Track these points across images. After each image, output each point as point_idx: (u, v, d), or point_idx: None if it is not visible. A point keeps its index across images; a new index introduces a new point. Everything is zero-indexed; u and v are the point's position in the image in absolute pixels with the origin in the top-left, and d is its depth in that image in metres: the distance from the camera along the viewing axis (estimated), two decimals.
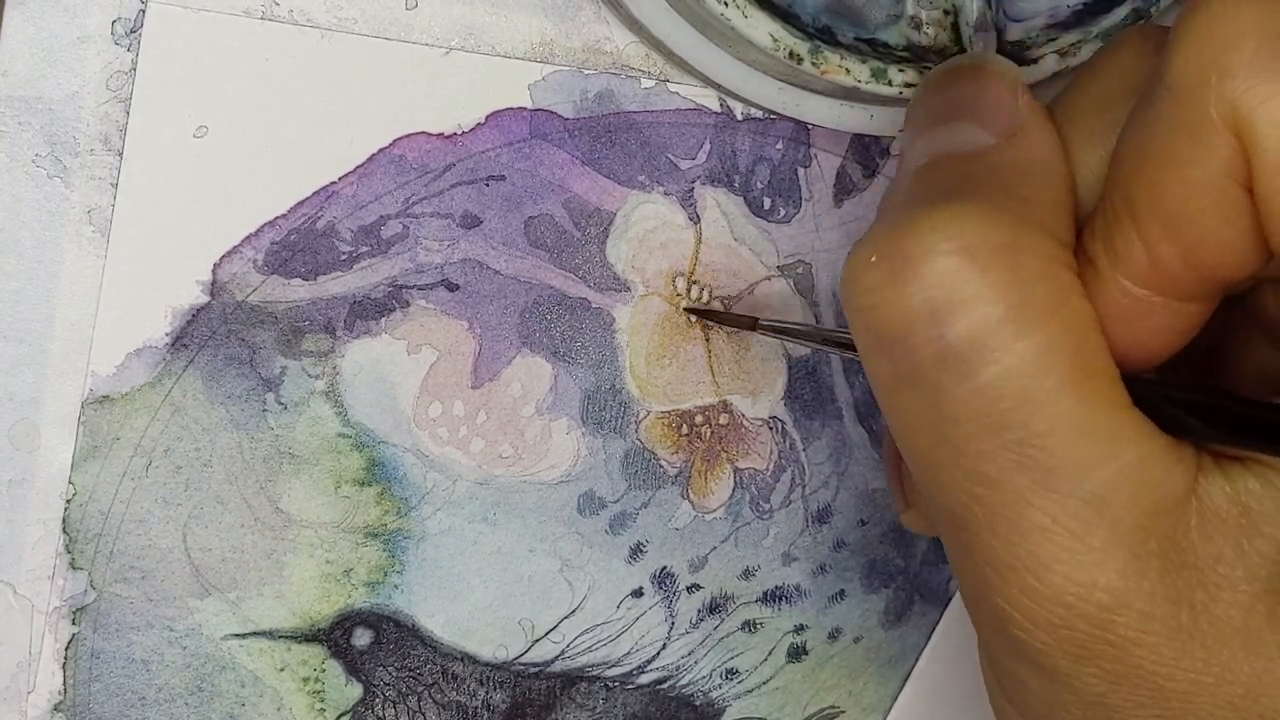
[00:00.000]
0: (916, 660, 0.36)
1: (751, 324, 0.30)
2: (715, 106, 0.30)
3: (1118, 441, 0.21)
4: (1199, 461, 0.21)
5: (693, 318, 0.32)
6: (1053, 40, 0.28)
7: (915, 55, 0.28)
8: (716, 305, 0.32)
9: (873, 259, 0.21)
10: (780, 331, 0.31)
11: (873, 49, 0.28)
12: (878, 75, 0.27)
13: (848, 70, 0.27)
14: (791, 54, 0.27)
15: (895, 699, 0.36)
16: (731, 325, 0.31)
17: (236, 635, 0.30)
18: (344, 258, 0.29)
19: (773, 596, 0.34)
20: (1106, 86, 0.24)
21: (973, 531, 0.22)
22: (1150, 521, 0.21)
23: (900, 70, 0.28)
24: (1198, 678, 0.21)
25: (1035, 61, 0.28)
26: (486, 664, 0.32)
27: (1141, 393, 0.22)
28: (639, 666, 0.33)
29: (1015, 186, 0.22)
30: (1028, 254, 0.21)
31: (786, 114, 0.29)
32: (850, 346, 0.29)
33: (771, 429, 0.33)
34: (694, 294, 0.31)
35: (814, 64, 0.27)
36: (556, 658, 0.33)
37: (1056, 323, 0.21)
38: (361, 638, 0.31)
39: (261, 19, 0.27)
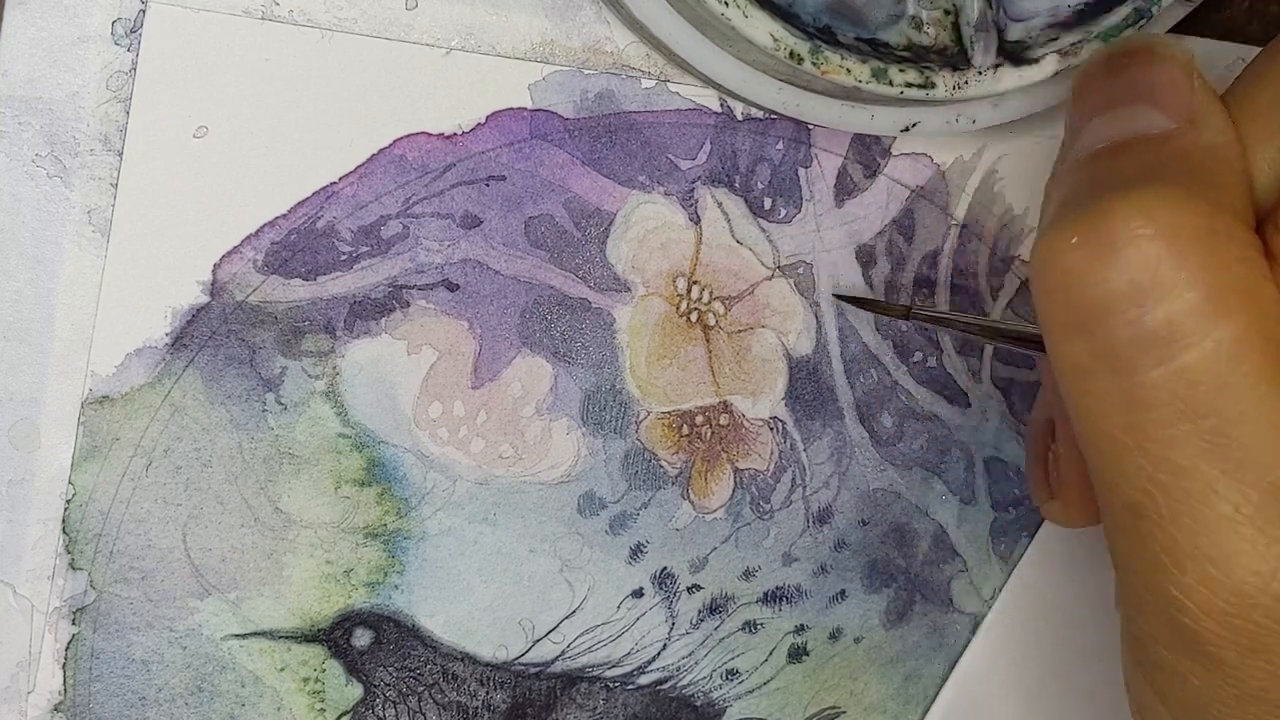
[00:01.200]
0: (941, 687, 0.36)
1: (904, 313, 0.30)
2: (715, 107, 0.30)
3: None
4: None
5: (693, 316, 0.31)
6: (1053, 40, 0.28)
7: (916, 55, 0.28)
8: (717, 305, 0.32)
9: (1073, 240, 0.21)
10: (934, 321, 0.31)
11: (873, 49, 0.28)
12: (878, 75, 0.27)
13: (848, 70, 0.27)
14: (792, 54, 0.27)
15: (937, 692, 0.36)
16: (883, 314, 0.31)
17: (236, 635, 0.30)
18: (344, 258, 0.29)
19: (773, 597, 0.34)
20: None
21: (1152, 519, 0.22)
22: None
23: (901, 70, 0.28)
24: None
25: (1036, 61, 0.28)
26: (487, 664, 0.32)
27: None
28: (639, 667, 0.33)
29: (1205, 171, 0.22)
30: (1224, 239, 0.21)
31: (787, 114, 0.29)
32: (1004, 335, 0.29)
33: (772, 429, 0.33)
34: (694, 294, 0.31)
35: (814, 64, 0.27)
36: (557, 658, 0.33)
37: (1252, 308, 0.21)
38: (361, 638, 0.31)
39: (261, 19, 0.27)
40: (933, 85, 0.28)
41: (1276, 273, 0.22)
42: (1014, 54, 0.28)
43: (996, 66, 0.28)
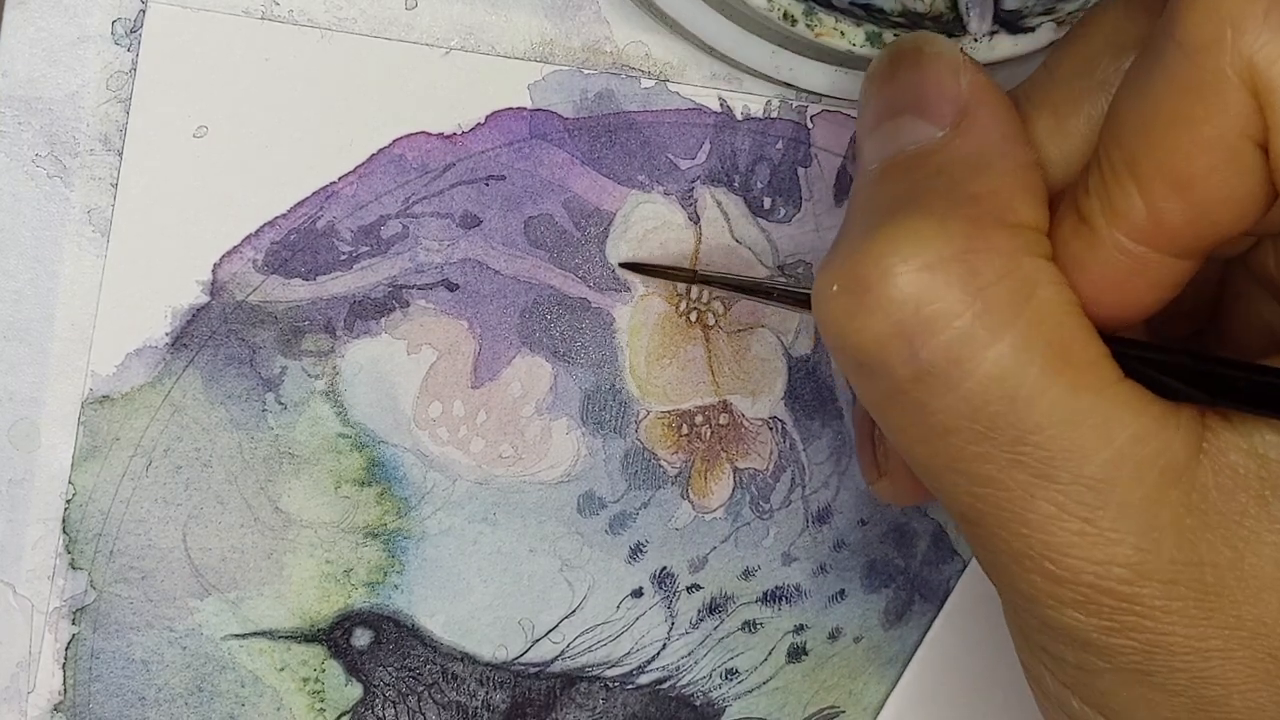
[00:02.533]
0: (912, 655, 0.36)
1: (690, 276, 0.30)
2: (715, 106, 0.30)
3: (1110, 423, 0.21)
4: (1204, 422, 0.22)
5: (692, 316, 0.31)
6: (1050, 10, 0.28)
7: (911, 21, 0.28)
8: (717, 305, 0.32)
9: (834, 288, 0.21)
10: (716, 283, 0.30)
11: (868, 14, 0.28)
12: (873, 39, 0.27)
13: (842, 34, 0.27)
14: (786, 15, 0.27)
15: (889, 694, 0.36)
16: (668, 279, 0.31)
17: (236, 635, 0.30)
18: (344, 258, 0.29)
19: (773, 596, 0.34)
20: (1090, 49, 0.24)
21: (985, 528, 0.22)
22: (1159, 493, 0.21)
23: (896, 35, 0.27)
24: (1231, 634, 0.21)
25: (1031, 30, 0.28)
26: (486, 664, 0.32)
27: (1133, 364, 0.22)
28: (639, 666, 0.33)
29: (966, 183, 0.22)
30: (985, 256, 0.21)
31: (779, 79, 0.29)
32: (790, 299, 0.28)
33: (771, 429, 0.33)
34: (694, 294, 0.31)
35: (809, 26, 0.27)
36: (556, 658, 0.33)
37: (1026, 318, 0.21)
38: (361, 638, 0.31)
39: (261, 19, 0.27)
40: (926, 31, 0.27)
41: (1088, 237, 0.22)
42: (1010, 22, 0.28)
43: (992, 34, 0.28)
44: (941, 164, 0.23)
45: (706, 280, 0.30)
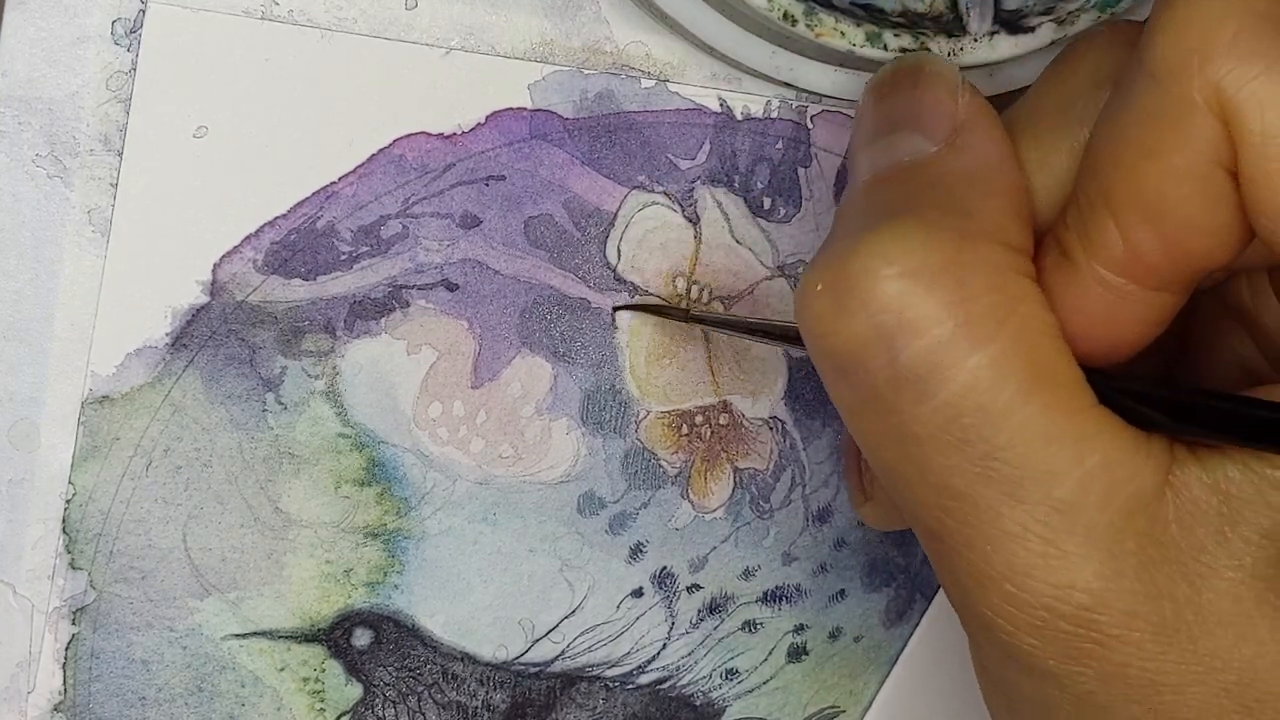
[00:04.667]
0: (902, 650, 0.36)
1: (684, 315, 0.30)
2: (715, 106, 0.30)
3: (1081, 445, 0.21)
4: (1172, 454, 0.21)
5: (623, 315, 0.31)
6: (1050, 10, 0.28)
7: (911, 21, 0.28)
8: (716, 305, 0.32)
9: (818, 288, 0.21)
10: (711, 322, 0.30)
11: (868, 14, 0.28)
12: (872, 40, 0.27)
13: (842, 33, 0.27)
14: (786, 15, 0.27)
15: (878, 690, 0.36)
16: (665, 317, 0.31)
17: (236, 635, 0.30)
18: (344, 258, 0.29)
19: (773, 596, 0.34)
20: (1073, 82, 0.24)
21: (948, 544, 0.22)
22: (1124, 520, 0.21)
23: (896, 35, 0.27)
24: (1188, 669, 0.21)
25: (1032, 30, 0.28)
26: (486, 664, 0.32)
27: (1108, 391, 0.22)
28: (639, 666, 0.33)
29: (958, 197, 0.22)
30: (972, 268, 0.21)
31: (779, 79, 0.29)
32: (779, 336, 0.29)
33: (772, 429, 0.33)
34: (694, 294, 0.31)
35: (808, 26, 0.27)
36: (556, 658, 0.33)
37: (1007, 334, 0.21)
38: (361, 638, 0.31)
39: (261, 19, 0.27)
40: (927, 51, 0.28)
41: (1068, 271, 0.22)
42: (1010, 22, 0.28)
43: (992, 34, 0.28)
44: (935, 177, 0.23)
45: (700, 320, 0.30)
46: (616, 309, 0.31)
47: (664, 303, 0.31)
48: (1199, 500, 0.21)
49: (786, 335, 0.28)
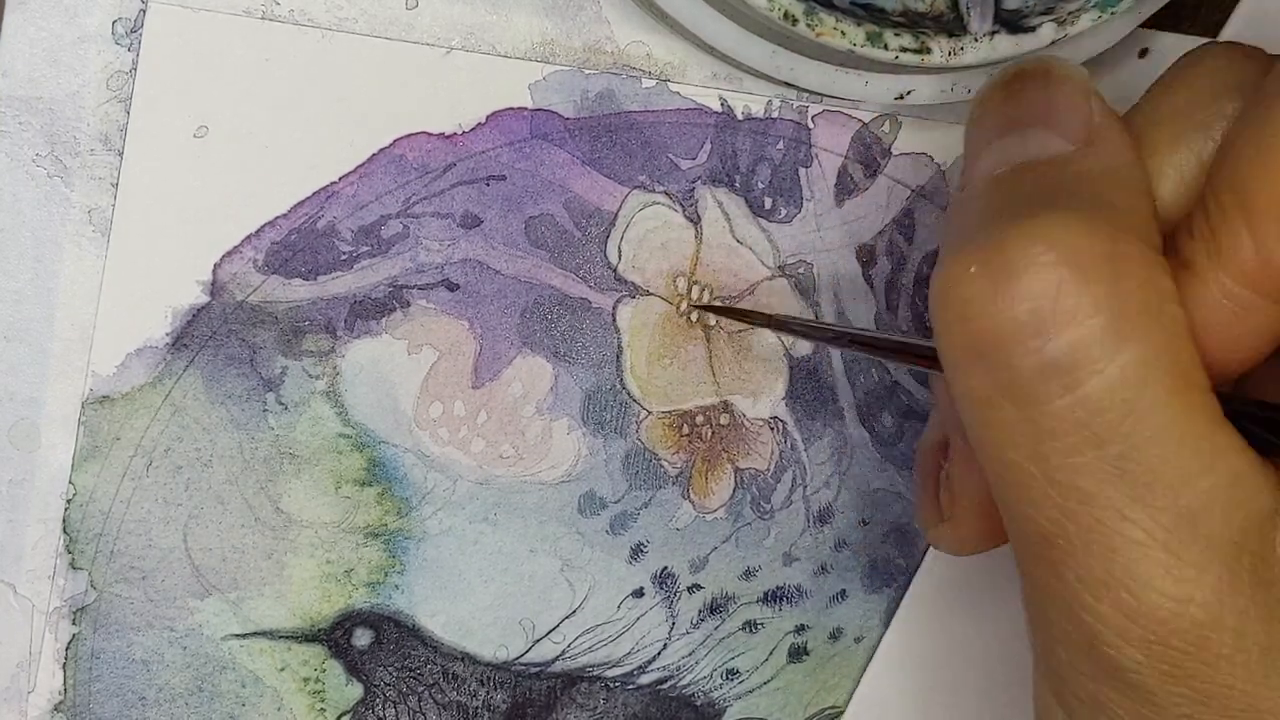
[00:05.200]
0: (877, 645, 0.35)
1: (766, 320, 0.30)
2: (716, 106, 0.30)
3: (1215, 455, 0.21)
4: None
5: (694, 316, 0.31)
6: (1050, 10, 0.28)
7: (911, 21, 0.28)
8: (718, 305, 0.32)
9: (971, 269, 0.21)
10: (795, 331, 0.30)
11: (869, 13, 0.28)
12: (873, 39, 0.27)
13: (843, 33, 0.27)
14: (786, 14, 0.27)
15: (856, 686, 0.35)
16: (744, 321, 0.31)
17: (237, 635, 0.30)
18: (344, 258, 0.29)
19: (774, 597, 0.34)
20: (1191, 92, 0.23)
21: (1064, 549, 0.21)
22: (1243, 537, 0.21)
23: (896, 35, 0.27)
24: None
25: (1033, 30, 0.28)
26: (487, 664, 0.32)
27: (1228, 409, 0.21)
28: (640, 667, 0.33)
29: (1105, 193, 0.22)
30: (1127, 262, 0.21)
31: (779, 79, 0.29)
32: (866, 344, 0.28)
33: (772, 429, 0.33)
34: (694, 294, 0.31)
35: (809, 25, 0.27)
36: (557, 658, 0.33)
37: (1157, 332, 0.21)
38: (362, 638, 0.31)
39: (261, 19, 0.27)
40: (928, 51, 0.27)
41: (1190, 282, 0.22)
42: (1010, 21, 0.28)
43: (993, 34, 0.28)
44: (1078, 174, 0.22)
45: (783, 325, 0.30)
46: (698, 306, 0.31)
47: (750, 310, 0.31)
48: None
49: (878, 345, 0.28)
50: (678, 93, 0.30)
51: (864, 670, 0.35)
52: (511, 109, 0.29)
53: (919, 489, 0.30)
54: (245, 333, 0.29)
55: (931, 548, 0.35)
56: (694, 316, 0.32)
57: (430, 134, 0.29)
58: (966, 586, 0.36)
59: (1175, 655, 0.21)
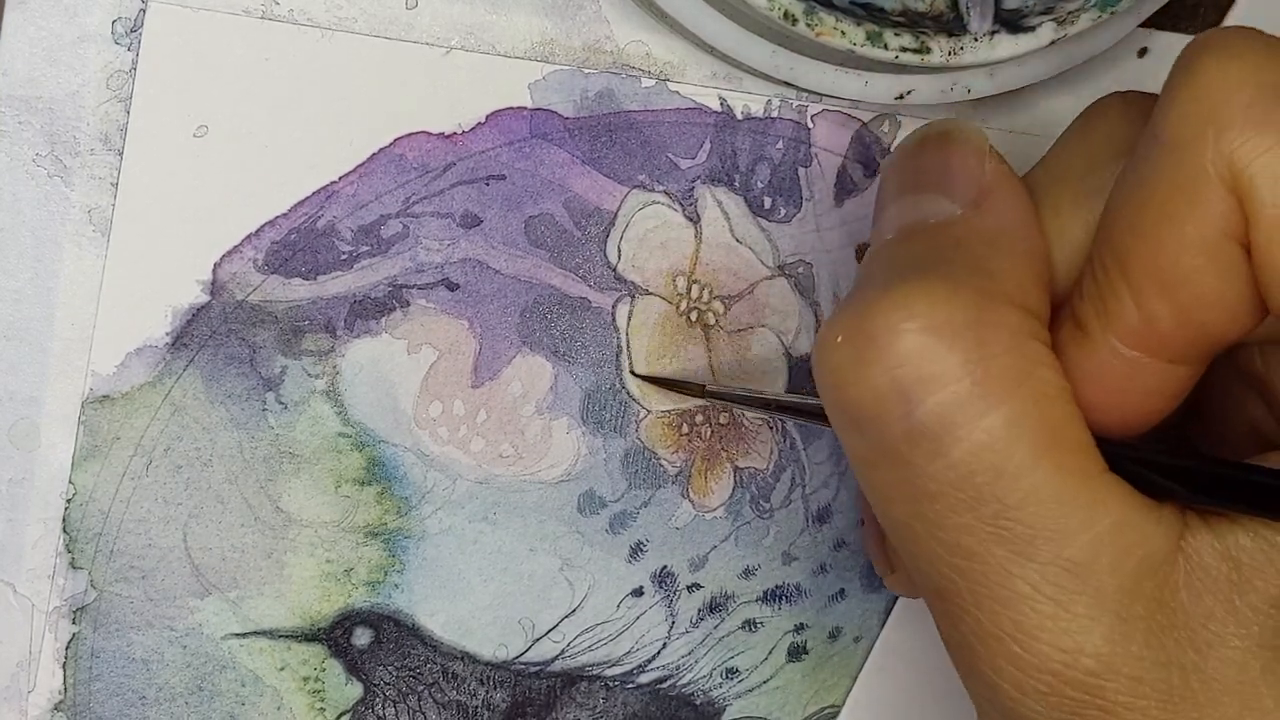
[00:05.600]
0: (871, 647, 0.35)
1: (699, 391, 0.31)
2: (715, 106, 0.30)
3: (1094, 508, 0.21)
4: (1184, 520, 0.21)
5: (692, 315, 0.31)
6: (1050, 9, 0.28)
7: (911, 20, 0.28)
8: (717, 305, 0.32)
9: (839, 339, 0.22)
10: (728, 399, 0.31)
11: (869, 13, 0.28)
12: (873, 39, 0.27)
13: (843, 33, 0.27)
14: (786, 14, 0.27)
15: (851, 688, 0.36)
16: (679, 392, 0.31)
17: (237, 635, 0.30)
18: (344, 257, 0.29)
19: (773, 596, 0.34)
20: (1090, 151, 0.24)
21: (956, 603, 0.22)
22: (1134, 584, 0.21)
23: (896, 35, 0.27)
24: None
25: (1032, 30, 0.28)
26: (487, 663, 0.32)
27: (1118, 458, 0.22)
28: (639, 666, 0.33)
29: (981, 259, 0.22)
30: (992, 328, 0.21)
31: (779, 78, 0.29)
32: (796, 411, 0.29)
33: (772, 428, 0.33)
34: (694, 293, 0.31)
35: (809, 25, 0.27)
36: (556, 657, 0.33)
37: (1023, 395, 0.21)
38: (361, 637, 0.31)
39: (261, 19, 0.27)
40: (928, 50, 0.27)
41: (1084, 342, 0.22)
42: (1010, 21, 0.28)
43: (993, 34, 0.28)
44: (959, 238, 0.23)
45: (717, 395, 0.31)
46: (635, 375, 0.31)
47: (680, 380, 0.31)
48: (1210, 567, 0.21)
49: (808, 411, 0.28)
50: (677, 92, 0.30)
51: (861, 669, 0.35)
52: (511, 108, 0.29)
53: (867, 540, 0.31)
54: (245, 332, 0.29)
55: None
56: (694, 303, 0.32)
57: (430, 133, 0.29)
58: None
59: (1071, 704, 0.21)
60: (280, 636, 0.30)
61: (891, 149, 0.25)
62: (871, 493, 0.23)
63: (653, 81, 0.30)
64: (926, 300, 0.21)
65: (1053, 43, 0.28)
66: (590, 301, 0.31)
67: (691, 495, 0.33)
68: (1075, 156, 0.24)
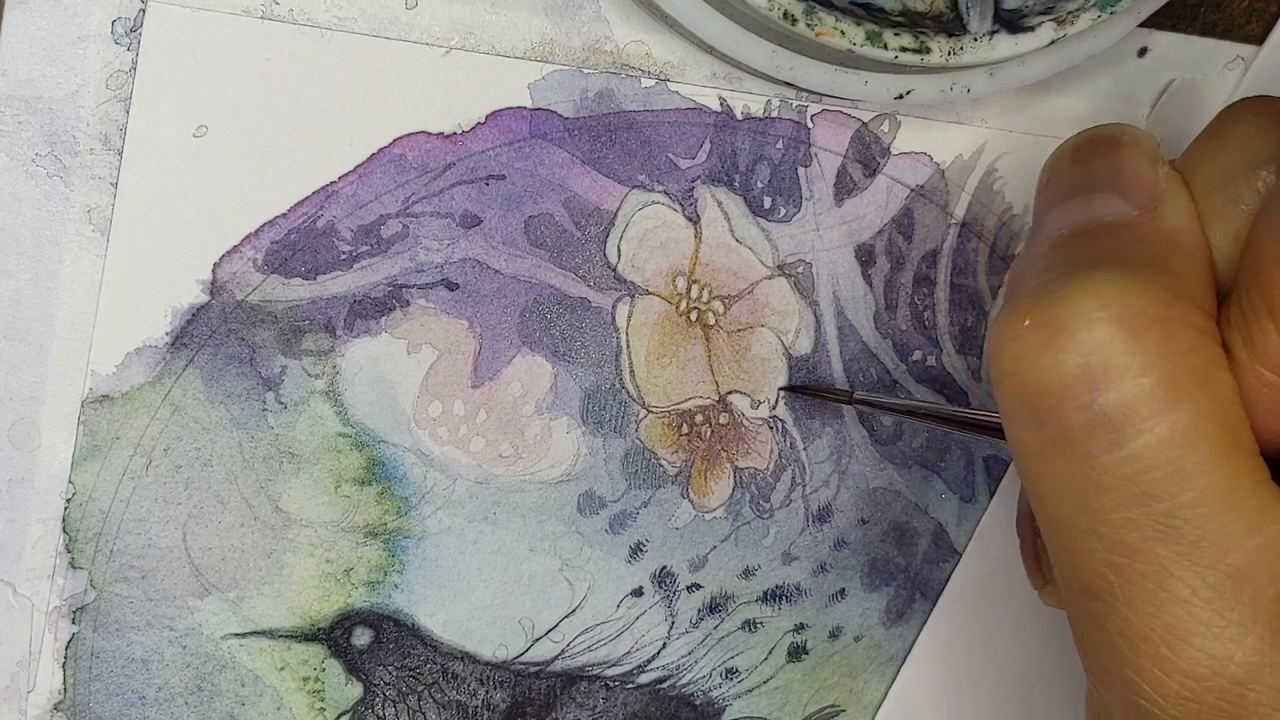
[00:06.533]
0: (906, 656, 0.36)
1: (847, 398, 0.31)
2: (715, 106, 0.30)
3: (1262, 514, 0.21)
4: None
5: (692, 315, 0.31)
6: (1050, 9, 0.28)
7: (911, 20, 0.28)
8: (716, 304, 0.32)
9: (1026, 323, 0.22)
10: (874, 406, 0.31)
11: (869, 13, 0.28)
12: (873, 39, 0.27)
13: (842, 33, 0.27)
14: (786, 14, 0.27)
15: (884, 697, 0.36)
16: (827, 399, 0.32)
17: (236, 635, 0.30)
18: (344, 257, 0.29)
19: (773, 596, 0.34)
20: (1226, 161, 0.24)
21: (1108, 602, 0.22)
22: None
23: (896, 34, 0.27)
24: None
25: (1032, 29, 0.28)
26: (486, 663, 0.32)
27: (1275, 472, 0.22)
28: (639, 666, 0.33)
29: (1163, 258, 0.22)
30: (1179, 325, 0.21)
31: (779, 78, 0.29)
32: (952, 421, 0.29)
33: (772, 428, 0.33)
34: (694, 293, 0.31)
35: (809, 25, 0.27)
36: (556, 657, 0.33)
37: (1206, 394, 0.21)
38: (361, 637, 0.31)
39: (261, 19, 0.27)
40: (928, 50, 0.27)
41: (1230, 365, 0.22)
42: (1010, 21, 0.28)
43: (992, 33, 0.28)
44: (1140, 236, 0.23)
45: (864, 403, 0.31)
46: (782, 389, 0.32)
47: (828, 388, 0.32)
48: None
49: (956, 420, 0.29)
50: (677, 92, 0.30)
51: (900, 668, 0.36)
52: (511, 108, 0.29)
53: (1023, 553, 0.31)
54: (245, 332, 0.29)
55: (969, 546, 0.35)
56: (694, 303, 0.32)
57: (430, 133, 0.29)
58: (1003, 584, 0.36)
59: (1211, 713, 0.21)
60: (280, 636, 0.30)
61: (1050, 153, 0.25)
62: (1036, 484, 0.22)
63: (653, 81, 0.30)
64: (1120, 291, 0.21)
65: (1052, 43, 0.28)
66: (590, 301, 0.31)
67: (691, 495, 0.33)
68: (1210, 168, 0.24)
